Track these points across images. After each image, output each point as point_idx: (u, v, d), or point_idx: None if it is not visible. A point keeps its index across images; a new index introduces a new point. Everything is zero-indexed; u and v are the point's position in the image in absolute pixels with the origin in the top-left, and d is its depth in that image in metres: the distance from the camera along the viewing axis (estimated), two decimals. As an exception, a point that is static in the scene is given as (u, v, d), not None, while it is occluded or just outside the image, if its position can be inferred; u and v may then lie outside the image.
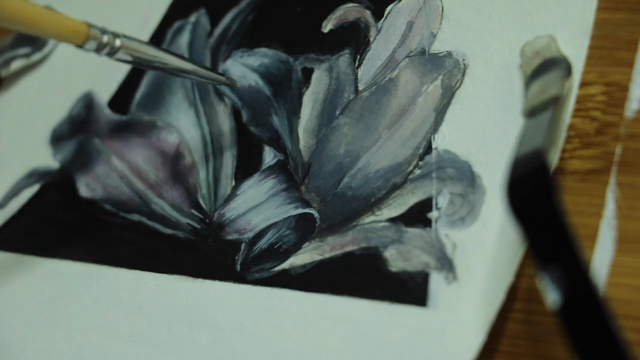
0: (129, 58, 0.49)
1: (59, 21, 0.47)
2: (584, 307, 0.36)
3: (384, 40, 0.51)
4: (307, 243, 0.48)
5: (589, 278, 0.36)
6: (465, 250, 0.44)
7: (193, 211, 0.52)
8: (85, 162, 0.56)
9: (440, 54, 0.50)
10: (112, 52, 0.48)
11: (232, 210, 0.51)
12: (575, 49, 0.47)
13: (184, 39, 0.57)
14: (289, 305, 0.46)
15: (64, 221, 0.55)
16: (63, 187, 0.56)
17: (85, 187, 0.55)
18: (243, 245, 0.50)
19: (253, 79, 0.54)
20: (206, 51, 0.56)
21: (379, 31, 0.52)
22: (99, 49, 0.48)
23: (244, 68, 0.54)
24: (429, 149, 0.48)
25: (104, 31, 0.48)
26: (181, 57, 0.51)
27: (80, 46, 0.48)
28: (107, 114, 0.57)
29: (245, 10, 0.56)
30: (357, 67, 0.51)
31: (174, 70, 0.50)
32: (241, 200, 0.51)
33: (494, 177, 0.45)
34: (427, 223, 0.46)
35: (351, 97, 0.51)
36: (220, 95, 0.54)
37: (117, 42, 0.48)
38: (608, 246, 0.43)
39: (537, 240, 0.37)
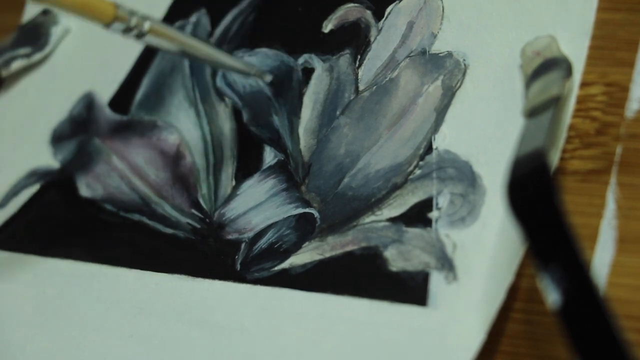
0: (157, 43, 0.48)
1: None
2: (585, 307, 0.36)
3: (385, 41, 0.51)
4: (307, 243, 0.48)
5: (589, 278, 0.36)
6: (466, 250, 0.44)
7: (193, 211, 0.52)
8: (86, 162, 0.56)
9: (441, 54, 0.50)
10: (139, 35, 0.48)
11: (233, 210, 0.51)
12: (576, 49, 0.47)
13: (185, 39, 0.57)
14: (289, 304, 0.46)
15: (64, 221, 0.55)
16: (63, 187, 0.56)
17: (86, 187, 0.55)
18: (243, 245, 0.50)
19: (253, 79, 0.54)
20: (207, 51, 0.56)
21: (379, 31, 0.52)
22: (126, 31, 0.47)
23: (245, 68, 0.54)
24: (429, 149, 0.48)
25: (132, 13, 0.47)
26: (210, 44, 0.50)
27: (107, 26, 0.47)
28: (108, 114, 0.57)
29: (246, 10, 0.56)
30: (358, 68, 0.51)
31: (202, 58, 0.50)
32: (241, 200, 0.51)
33: (494, 177, 0.45)
34: (427, 223, 0.46)
35: (352, 98, 0.51)
36: (221, 96, 0.54)
37: (146, 26, 0.48)
38: (608, 246, 0.43)
39: (537, 240, 0.37)
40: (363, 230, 0.47)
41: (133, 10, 0.48)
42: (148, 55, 0.57)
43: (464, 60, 0.49)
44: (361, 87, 0.51)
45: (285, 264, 0.48)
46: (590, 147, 0.45)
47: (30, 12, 0.62)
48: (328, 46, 0.53)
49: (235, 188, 0.52)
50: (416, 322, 0.44)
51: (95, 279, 0.51)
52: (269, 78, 0.52)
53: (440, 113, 0.48)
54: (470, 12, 0.50)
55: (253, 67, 0.52)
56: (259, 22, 0.56)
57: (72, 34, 0.61)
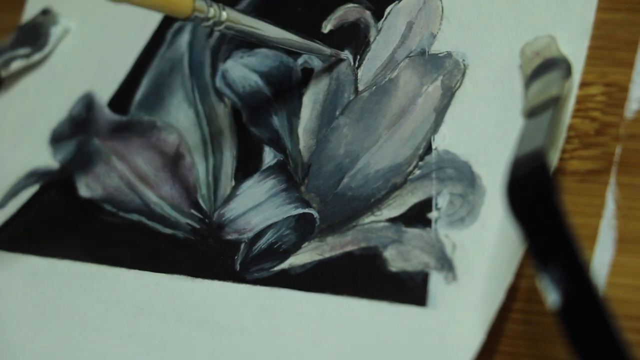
0: (233, 31, 0.49)
1: None
2: (584, 308, 0.36)
3: (384, 41, 0.51)
4: (306, 243, 0.48)
5: (589, 278, 0.36)
6: (465, 251, 0.44)
7: (193, 211, 0.52)
8: (85, 162, 0.56)
9: (440, 55, 0.50)
10: (217, 24, 0.48)
11: (232, 210, 0.51)
12: (575, 49, 0.47)
13: (184, 39, 0.57)
14: (289, 305, 0.46)
15: (64, 221, 0.55)
16: (63, 187, 0.56)
17: (85, 187, 0.55)
18: (243, 245, 0.50)
19: (253, 80, 0.54)
20: (206, 51, 0.56)
21: (378, 32, 0.52)
22: (204, 21, 0.48)
23: (244, 69, 0.54)
24: (428, 149, 0.48)
25: (209, 3, 0.48)
26: (285, 29, 0.51)
27: (186, 19, 0.48)
28: (107, 114, 0.57)
29: (245, 10, 0.56)
30: (357, 68, 0.51)
31: (279, 43, 0.50)
32: (241, 200, 0.51)
33: (493, 177, 0.45)
34: (427, 223, 0.46)
35: (351, 98, 0.51)
36: (221, 96, 0.54)
37: (224, 15, 0.48)
38: (608, 246, 0.43)
39: (537, 240, 0.37)
40: (362, 230, 0.47)
41: (210, 1, 0.48)
42: (148, 55, 0.58)
43: (464, 60, 0.49)
44: (361, 87, 0.51)
45: (284, 264, 0.48)
46: (589, 147, 0.45)
47: (30, 12, 0.62)
48: (327, 46, 0.53)
49: (235, 188, 0.52)
50: (416, 322, 0.44)
51: (95, 279, 0.51)
52: (344, 55, 0.52)
53: (440, 113, 0.48)
54: (469, 12, 0.50)
55: (328, 47, 0.52)
56: (258, 22, 0.56)
57: (72, 34, 0.61)
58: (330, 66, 0.52)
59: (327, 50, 0.52)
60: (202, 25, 0.49)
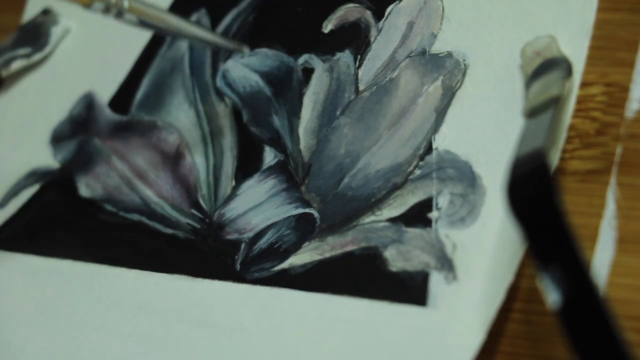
0: (136, 20, 0.49)
1: None
2: (584, 308, 0.36)
3: (385, 41, 0.51)
4: (307, 243, 0.48)
5: (589, 278, 0.36)
6: (465, 251, 0.44)
7: (193, 211, 0.52)
8: (86, 162, 0.56)
9: (441, 55, 0.50)
10: (119, 14, 0.48)
11: (232, 210, 0.51)
12: (576, 49, 0.47)
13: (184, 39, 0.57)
14: (289, 305, 0.46)
15: (64, 221, 0.55)
16: (63, 187, 0.56)
17: (85, 187, 0.55)
18: (243, 245, 0.50)
19: (254, 80, 0.54)
20: (207, 51, 0.56)
21: (379, 31, 0.52)
22: (105, 11, 0.48)
23: (245, 68, 0.54)
24: (429, 149, 0.48)
25: None
26: (189, 21, 0.50)
27: (87, 6, 0.47)
28: (108, 114, 0.57)
29: (245, 10, 0.56)
30: (358, 68, 0.51)
31: (181, 34, 0.50)
32: (241, 200, 0.51)
33: (494, 177, 0.45)
34: (427, 223, 0.46)
35: (352, 98, 0.51)
36: (221, 96, 0.54)
37: (125, 3, 0.48)
38: (608, 246, 0.43)
39: (537, 240, 0.37)
40: (363, 230, 0.47)
41: None
42: (148, 55, 0.57)
43: (464, 60, 0.49)
44: (361, 87, 0.51)
45: (285, 264, 0.48)
46: (590, 147, 0.45)
47: (30, 12, 0.62)
48: (328, 46, 0.53)
49: (235, 188, 0.52)
50: (416, 322, 0.44)
51: (95, 279, 0.51)
52: (246, 50, 0.52)
53: (440, 113, 0.48)
54: (470, 12, 0.50)
55: (231, 41, 0.52)
56: (259, 22, 0.56)
57: (72, 34, 0.61)
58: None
59: (230, 45, 0.51)
60: (104, 15, 0.48)
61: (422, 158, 0.48)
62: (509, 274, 0.43)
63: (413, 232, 0.46)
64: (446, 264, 0.45)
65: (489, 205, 0.45)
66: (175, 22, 0.49)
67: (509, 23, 0.49)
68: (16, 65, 0.60)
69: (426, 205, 0.47)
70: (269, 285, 0.47)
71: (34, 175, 0.57)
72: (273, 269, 0.48)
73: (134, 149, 0.55)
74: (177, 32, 0.49)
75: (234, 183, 0.52)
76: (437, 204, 0.46)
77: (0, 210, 0.57)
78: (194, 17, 0.57)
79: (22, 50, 0.60)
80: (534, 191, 0.38)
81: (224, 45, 0.51)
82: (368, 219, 0.47)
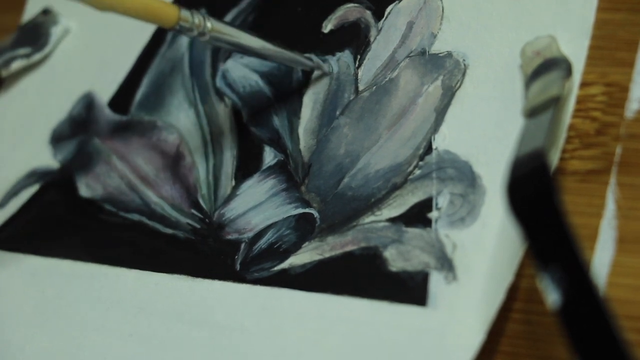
0: (217, 41, 0.49)
1: (148, 4, 0.47)
2: (584, 308, 0.36)
3: (384, 41, 0.51)
4: (307, 243, 0.48)
5: (589, 278, 0.36)
6: (465, 251, 0.44)
7: (193, 211, 0.52)
8: (86, 162, 0.56)
9: (441, 54, 0.50)
10: (200, 34, 0.49)
11: (232, 210, 0.51)
12: (576, 49, 0.47)
13: (185, 39, 0.57)
14: (289, 305, 0.46)
15: (64, 221, 0.55)
16: (63, 187, 0.56)
17: (85, 187, 0.55)
18: (243, 245, 0.50)
19: (253, 80, 0.54)
20: (207, 51, 0.56)
21: (379, 31, 0.52)
22: (188, 31, 0.48)
23: (245, 68, 0.54)
24: (429, 149, 0.48)
25: (194, 13, 0.48)
26: (268, 41, 0.51)
27: (170, 29, 0.48)
28: (108, 114, 0.57)
29: (245, 10, 0.56)
30: (358, 68, 0.51)
31: (263, 55, 0.50)
32: (241, 200, 0.51)
33: (494, 177, 0.45)
34: (427, 223, 0.46)
35: (351, 98, 0.51)
36: (221, 96, 0.54)
37: (208, 25, 0.48)
38: (608, 246, 0.43)
39: (537, 240, 0.37)
40: (363, 230, 0.47)
41: (194, 11, 0.48)
42: (148, 55, 0.58)
43: (464, 60, 0.49)
44: (361, 87, 0.51)
45: (285, 264, 0.48)
46: (590, 147, 0.45)
47: (30, 12, 0.62)
48: (328, 46, 0.53)
49: (235, 188, 0.52)
50: (416, 322, 0.44)
51: (96, 279, 0.51)
52: (327, 67, 0.52)
53: (440, 113, 0.48)
54: (470, 12, 0.50)
55: (311, 60, 0.52)
56: (259, 22, 0.56)
57: (72, 34, 0.61)
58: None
59: (310, 63, 0.52)
60: (186, 35, 0.49)
61: (422, 158, 0.48)
62: (509, 274, 0.43)
63: (413, 232, 0.46)
64: (446, 264, 0.45)
65: (489, 205, 0.45)
66: (256, 43, 0.50)
67: (509, 23, 0.49)
68: (16, 65, 0.60)
69: (426, 205, 0.47)
70: (269, 285, 0.48)
71: (34, 175, 0.57)
72: (273, 269, 0.48)
73: (134, 149, 0.55)
74: (257, 52, 0.50)
75: (233, 183, 0.52)
76: (437, 204, 0.46)
77: (0, 210, 0.57)
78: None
79: (22, 50, 0.60)
80: (534, 191, 0.38)
81: (305, 64, 0.52)
82: (368, 219, 0.47)
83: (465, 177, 0.46)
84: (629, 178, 0.44)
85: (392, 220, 0.47)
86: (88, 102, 0.58)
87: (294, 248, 0.48)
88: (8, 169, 0.58)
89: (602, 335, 0.35)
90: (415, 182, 0.47)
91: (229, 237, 0.50)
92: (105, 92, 0.58)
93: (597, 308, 0.36)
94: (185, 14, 0.48)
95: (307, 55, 0.52)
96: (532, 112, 0.44)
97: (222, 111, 0.54)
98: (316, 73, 0.52)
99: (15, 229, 0.56)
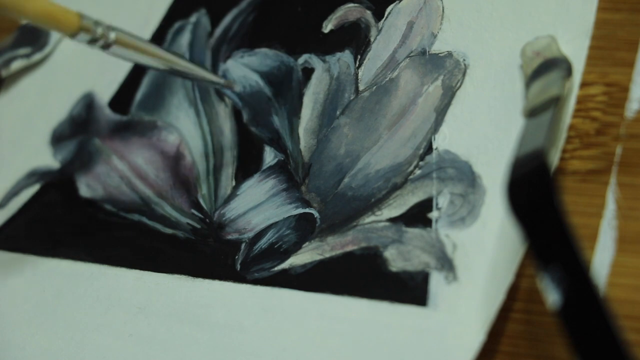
0: (124, 54, 0.48)
1: (48, 9, 0.46)
2: (584, 308, 0.36)
3: (385, 41, 0.51)
4: (307, 243, 0.48)
5: (589, 278, 0.36)
6: (466, 251, 0.44)
7: (193, 211, 0.52)
8: (86, 162, 0.56)
9: (441, 54, 0.50)
10: (105, 46, 0.48)
11: (233, 210, 0.51)
12: (576, 49, 0.47)
13: (185, 39, 0.57)
14: (289, 305, 0.46)
15: (64, 221, 0.55)
16: (63, 187, 0.56)
17: (86, 187, 0.55)
18: (243, 245, 0.50)
19: (254, 80, 0.54)
20: (207, 51, 0.56)
21: (379, 31, 0.52)
22: (92, 42, 0.47)
23: (245, 68, 0.54)
24: (429, 149, 0.48)
25: (97, 23, 0.47)
26: (179, 56, 0.50)
27: (72, 36, 0.47)
28: (108, 114, 0.57)
29: (246, 10, 0.56)
30: (358, 68, 0.51)
31: (171, 70, 0.50)
32: (241, 200, 0.51)
33: (494, 177, 0.45)
34: (427, 223, 0.46)
35: (352, 98, 0.51)
36: (221, 95, 0.54)
37: (112, 36, 0.48)
38: (608, 246, 0.43)
39: (537, 240, 0.37)
40: (363, 230, 0.47)
41: (98, 21, 0.48)
42: (148, 55, 0.58)
43: (464, 60, 0.49)
44: (361, 87, 0.51)
45: (285, 264, 0.48)
46: (590, 147, 0.45)
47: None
48: (328, 46, 0.53)
49: (235, 188, 0.52)
50: (416, 322, 0.44)
51: (95, 279, 0.51)
52: (238, 88, 0.52)
53: (440, 113, 0.48)
54: (470, 12, 0.50)
55: (221, 78, 0.52)
56: (259, 22, 0.56)
57: (72, 34, 0.61)
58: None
59: (217, 79, 0.52)
60: (89, 46, 0.48)
61: (422, 158, 0.48)
62: (509, 274, 0.43)
63: (413, 232, 0.46)
64: (446, 264, 0.45)
65: (489, 205, 0.45)
66: (166, 57, 0.49)
67: (509, 23, 0.49)
68: (16, 65, 0.60)
69: (426, 205, 0.47)
70: (269, 285, 0.48)
71: (34, 175, 0.57)
72: (273, 269, 0.48)
73: (134, 149, 0.55)
74: (168, 69, 0.50)
75: (234, 183, 0.52)
76: (437, 204, 0.46)
77: (1, 210, 0.57)
78: (193, 17, 0.58)
79: (22, 50, 0.60)
80: (534, 191, 0.38)
81: (215, 82, 0.51)
82: (368, 219, 0.47)
83: (465, 177, 0.46)
84: (629, 178, 0.44)
85: (393, 220, 0.47)
86: (88, 102, 0.58)
87: (294, 248, 0.48)
88: (8, 169, 0.58)
89: (602, 335, 0.35)
90: (415, 182, 0.47)
91: (229, 237, 0.50)
92: (105, 92, 0.58)
93: (597, 308, 0.36)
94: (87, 23, 0.47)
95: (212, 72, 0.52)
96: (532, 112, 0.44)
97: (222, 111, 0.54)
98: (317, 72, 0.52)
99: (15, 229, 0.56)
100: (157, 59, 0.49)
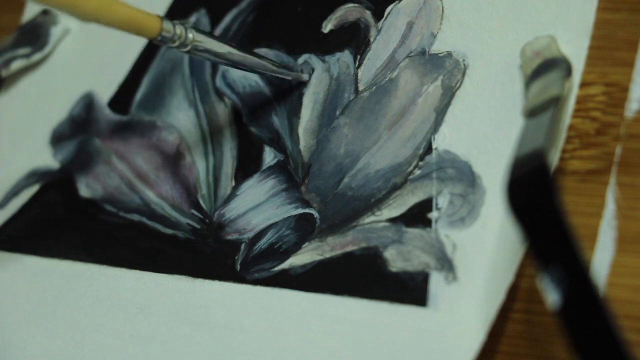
0: (199, 52, 0.49)
1: (131, 15, 0.47)
2: (584, 308, 0.36)
3: (384, 41, 0.51)
4: (307, 243, 0.48)
5: (589, 278, 0.36)
6: (465, 251, 0.44)
7: (193, 211, 0.52)
8: (86, 162, 0.56)
9: (441, 55, 0.50)
10: (183, 45, 0.48)
11: (232, 210, 0.51)
12: (576, 49, 0.47)
13: (185, 39, 0.57)
14: (289, 305, 0.46)
15: (64, 221, 0.55)
16: (63, 187, 0.56)
17: (86, 187, 0.55)
18: (243, 245, 0.50)
19: (253, 80, 0.54)
20: (206, 51, 0.56)
21: (379, 31, 0.52)
22: (171, 42, 0.48)
23: (245, 68, 0.54)
24: (429, 149, 0.48)
25: (176, 24, 0.48)
26: (252, 53, 0.51)
27: (152, 40, 0.48)
28: (108, 114, 0.57)
29: (245, 10, 0.56)
30: (358, 68, 0.51)
31: (245, 65, 0.50)
32: (241, 200, 0.51)
33: (494, 177, 0.45)
34: (427, 223, 0.46)
35: (351, 98, 0.51)
36: (221, 96, 0.54)
37: (190, 36, 0.48)
38: (608, 246, 0.43)
39: (537, 240, 0.37)
40: (363, 230, 0.47)
41: (176, 22, 0.48)
42: (148, 55, 0.58)
43: (464, 60, 0.49)
44: (361, 87, 0.51)
45: (285, 265, 0.48)
46: (590, 147, 0.45)
47: (30, 12, 0.62)
48: (328, 46, 0.53)
49: (235, 188, 0.52)
50: (416, 322, 0.44)
51: (95, 279, 0.51)
52: (306, 77, 0.52)
53: (440, 113, 0.48)
54: (470, 12, 0.50)
55: (292, 70, 0.52)
56: (258, 22, 0.56)
57: (72, 34, 0.61)
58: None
59: (290, 74, 0.52)
60: (167, 46, 0.49)
61: (422, 158, 0.48)
62: (509, 274, 0.43)
63: (413, 232, 0.46)
64: (446, 264, 0.45)
65: (489, 205, 0.45)
66: (239, 55, 0.50)
67: (509, 23, 0.49)
68: (16, 65, 0.60)
69: (426, 205, 0.47)
70: (269, 285, 0.48)
71: (34, 175, 0.57)
72: (273, 269, 0.48)
73: (134, 149, 0.55)
74: (238, 63, 0.50)
75: (233, 183, 0.52)
76: (437, 204, 0.46)
77: (1, 210, 0.57)
78: (193, 17, 0.58)
79: (22, 50, 0.60)
80: (533, 191, 0.38)
81: (284, 74, 0.52)
82: (368, 219, 0.47)
83: (465, 177, 0.46)
84: (629, 178, 0.44)
85: (392, 220, 0.47)
86: (88, 102, 0.58)
87: (294, 248, 0.48)
88: (8, 169, 0.58)
89: (602, 335, 0.35)
90: (415, 182, 0.47)
91: (229, 237, 0.50)
92: (105, 92, 0.58)
93: (597, 308, 0.36)
94: (168, 25, 0.48)
95: (286, 64, 0.52)
96: (532, 112, 0.44)
97: (222, 111, 0.54)
98: (316, 72, 0.52)
99: (15, 229, 0.56)
100: (231, 55, 0.50)
